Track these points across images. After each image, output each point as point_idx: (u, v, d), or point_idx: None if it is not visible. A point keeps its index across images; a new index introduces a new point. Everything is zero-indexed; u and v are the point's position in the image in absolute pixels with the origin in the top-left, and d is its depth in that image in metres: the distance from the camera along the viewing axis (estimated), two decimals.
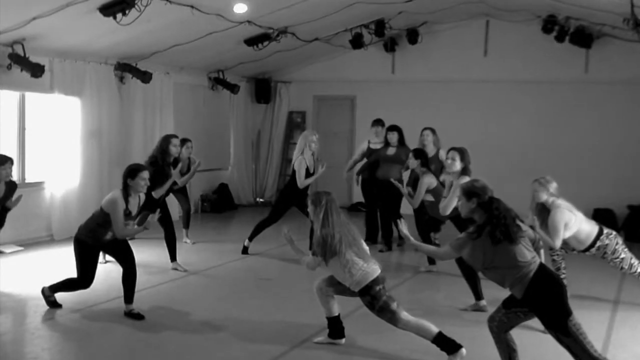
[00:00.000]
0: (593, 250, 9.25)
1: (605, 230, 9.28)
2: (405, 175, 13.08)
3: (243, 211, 18.62)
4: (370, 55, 18.17)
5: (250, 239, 12.68)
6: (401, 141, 13.20)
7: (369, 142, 13.88)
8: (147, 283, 10.22)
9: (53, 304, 8.93)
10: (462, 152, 9.89)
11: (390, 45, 18.17)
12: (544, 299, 6.20)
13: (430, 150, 12.55)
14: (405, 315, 7.27)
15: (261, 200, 19.92)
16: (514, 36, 17.25)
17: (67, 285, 8.90)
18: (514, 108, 17.46)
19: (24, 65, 11.88)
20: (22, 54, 11.88)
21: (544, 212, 9.12)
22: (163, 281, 10.58)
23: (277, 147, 20.03)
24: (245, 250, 12.66)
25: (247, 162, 19.92)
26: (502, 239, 6.24)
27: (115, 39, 12.79)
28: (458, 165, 9.82)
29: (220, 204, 18.24)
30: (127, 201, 8.52)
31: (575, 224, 9.06)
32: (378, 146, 13.55)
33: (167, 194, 11.31)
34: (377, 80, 18.74)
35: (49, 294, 8.94)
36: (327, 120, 19.46)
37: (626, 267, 9.30)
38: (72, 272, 8.85)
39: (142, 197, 8.87)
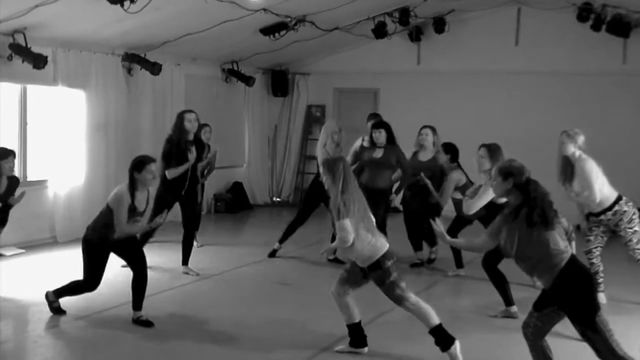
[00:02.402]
0: (609, 214, 9.38)
1: (625, 198, 9.44)
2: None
3: (259, 211, 18.61)
4: (394, 45, 18.08)
5: (281, 241, 12.60)
6: (390, 140, 11.83)
7: (362, 141, 12.61)
8: (157, 288, 10.15)
9: (57, 310, 8.88)
10: (492, 150, 9.81)
11: (416, 35, 18.07)
12: (573, 291, 6.17)
13: (429, 152, 11.89)
14: (413, 296, 7.39)
15: (278, 199, 19.88)
16: (547, 25, 17.11)
17: (72, 289, 8.83)
18: (546, 101, 17.30)
19: (26, 56, 11.85)
20: (24, 44, 11.85)
21: (568, 167, 9.22)
22: (173, 286, 10.55)
23: (295, 143, 20.00)
24: (273, 254, 12.57)
25: (263, 159, 19.90)
26: (539, 222, 6.22)
27: (123, 27, 12.76)
28: (488, 164, 9.76)
29: (234, 203, 18.19)
30: (133, 196, 8.43)
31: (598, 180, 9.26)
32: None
33: (193, 187, 11.21)
34: (402, 71, 18.65)
35: (53, 299, 8.87)
36: (349, 115, 19.33)
37: (635, 241, 9.40)
38: (77, 276, 8.80)
39: (151, 191, 8.79)
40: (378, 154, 11.79)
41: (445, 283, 11.24)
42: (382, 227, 10.19)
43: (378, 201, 11.03)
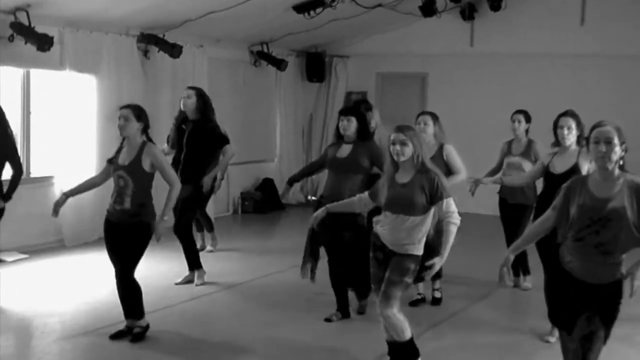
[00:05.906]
0: None
1: None
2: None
3: (292, 212, 18.67)
4: (444, 24, 17.99)
5: None
6: (362, 134, 9.35)
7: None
8: (172, 299, 10.12)
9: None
10: (578, 117, 9.14)
11: (469, 13, 18.02)
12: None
13: (430, 146, 9.77)
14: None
15: (313, 198, 19.72)
16: (617, 1, 16.97)
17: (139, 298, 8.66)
18: (616, 87, 17.14)
19: (29, 37, 11.83)
20: (27, 23, 11.82)
21: None
22: (190, 297, 10.46)
23: (332, 135, 19.71)
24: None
25: (297, 152, 19.99)
26: None
27: (139, 4, 12.86)
28: (573, 137, 8.98)
29: (264, 203, 18.22)
30: (119, 148, 8.60)
31: None
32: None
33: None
34: (453, 54, 18.61)
35: (145, 324, 8.67)
36: (393, 103, 19.29)
37: None
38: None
39: (141, 148, 8.57)
40: (343, 151, 9.41)
41: (498, 295, 10.97)
42: (362, 259, 8.02)
43: (344, 220, 8.96)
